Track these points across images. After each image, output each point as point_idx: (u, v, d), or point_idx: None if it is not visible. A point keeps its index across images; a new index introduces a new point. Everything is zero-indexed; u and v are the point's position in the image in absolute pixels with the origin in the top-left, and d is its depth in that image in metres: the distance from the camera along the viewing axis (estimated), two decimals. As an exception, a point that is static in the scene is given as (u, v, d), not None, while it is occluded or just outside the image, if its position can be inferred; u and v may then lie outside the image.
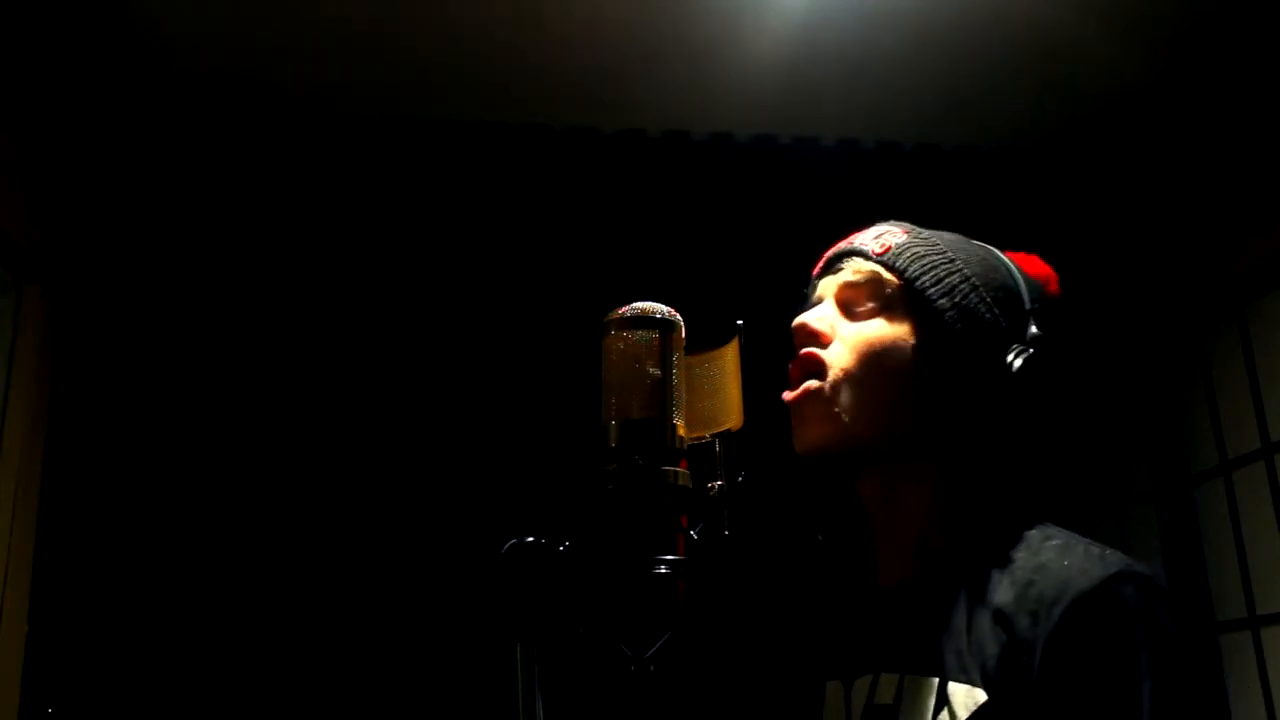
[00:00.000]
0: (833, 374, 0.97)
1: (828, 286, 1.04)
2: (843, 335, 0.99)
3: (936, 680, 0.89)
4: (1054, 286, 1.03)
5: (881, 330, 0.98)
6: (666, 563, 0.83)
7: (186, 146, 2.83)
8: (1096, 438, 3.13)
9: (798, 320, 1.01)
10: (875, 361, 0.97)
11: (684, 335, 0.90)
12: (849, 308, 1.01)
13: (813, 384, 0.97)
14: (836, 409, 0.96)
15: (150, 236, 2.81)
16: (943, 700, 0.87)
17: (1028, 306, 0.98)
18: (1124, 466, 3.12)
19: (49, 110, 2.53)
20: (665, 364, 0.87)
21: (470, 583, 2.57)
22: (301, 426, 2.76)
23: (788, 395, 1.00)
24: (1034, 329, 0.96)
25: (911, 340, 0.97)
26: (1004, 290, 0.99)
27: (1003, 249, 1.05)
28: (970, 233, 1.07)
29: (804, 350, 0.99)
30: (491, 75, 2.66)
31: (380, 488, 2.74)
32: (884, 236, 1.03)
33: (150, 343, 2.74)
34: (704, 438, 0.91)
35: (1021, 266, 1.02)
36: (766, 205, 3.00)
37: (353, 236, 2.90)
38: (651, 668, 0.82)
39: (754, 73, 2.61)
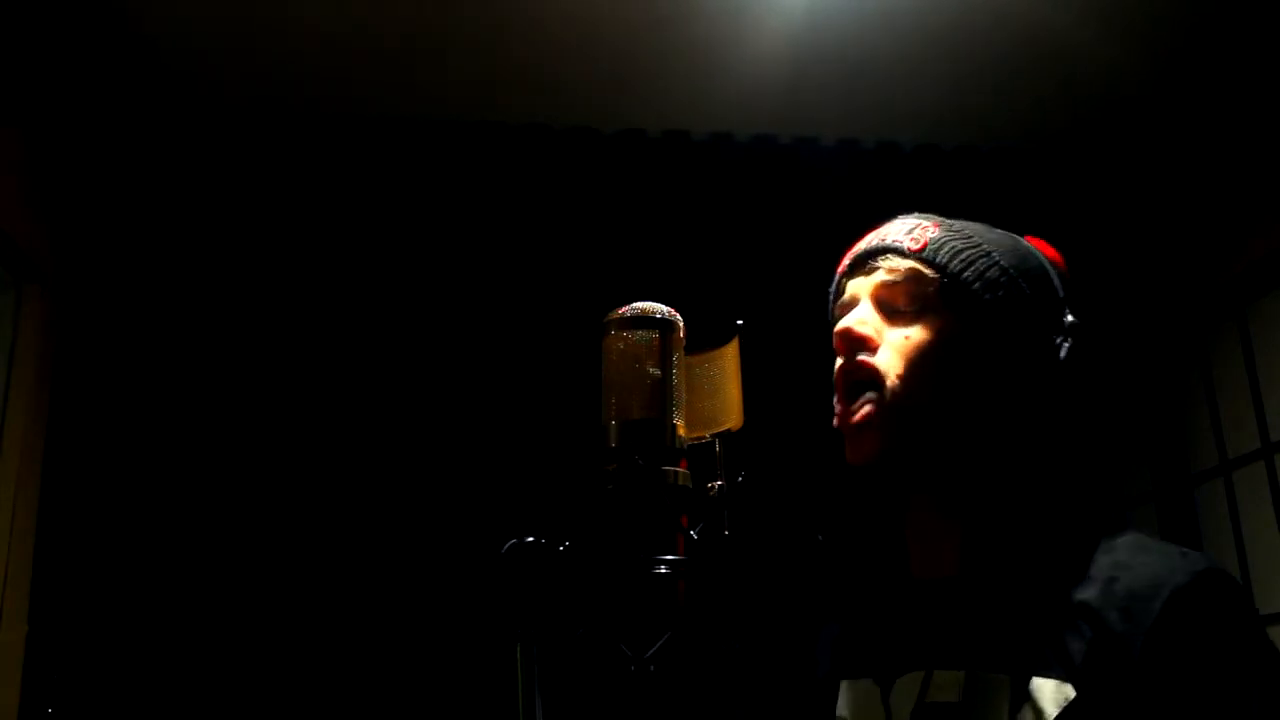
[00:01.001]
0: (890, 383, 0.94)
1: (862, 287, 0.99)
2: (891, 341, 0.95)
3: (1008, 677, 0.87)
4: (1065, 270, 1.02)
5: (929, 333, 0.95)
6: (666, 563, 0.83)
7: (186, 147, 2.82)
8: (1097, 437, 3.13)
9: (841, 326, 0.97)
10: (928, 366, 0.94)
11: (684, 335, 0.90)
12: (888, 308, 0.97)
13: (870, 400, 0.94)
14: (896, 420, 0.94)
15: (150, 236, 2.80)
16: (1021, 696, 0.85)
17: (1060, 295, 0.98)
18: (1124, 466, 3.12)
19: (49, 111, 2.53)
20: (665, 364, 0.87)
21: (470, 583, 2.57)
22: (302, 426, 2.75)
23: (848, 417, 0.95)
24: (1070, 316, 0.96)
25: (957, 338, 0.95)
26: (1039, 278, 0.98)
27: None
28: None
29: (857, 358, 0.95)
30: (492, 75, 2.66)
31: (380, 488, 2.73)
32: (916, 231, 0.99)
33: (150, 342, 2.74)
34: (704, 438, 0.91)
35: (1042, 251, 1.01)
36: (766, 205, 3.00)
37: (353, 237, 2.90)
38: (651, 668, 0.82)
39: (754, 73, 2.61)
